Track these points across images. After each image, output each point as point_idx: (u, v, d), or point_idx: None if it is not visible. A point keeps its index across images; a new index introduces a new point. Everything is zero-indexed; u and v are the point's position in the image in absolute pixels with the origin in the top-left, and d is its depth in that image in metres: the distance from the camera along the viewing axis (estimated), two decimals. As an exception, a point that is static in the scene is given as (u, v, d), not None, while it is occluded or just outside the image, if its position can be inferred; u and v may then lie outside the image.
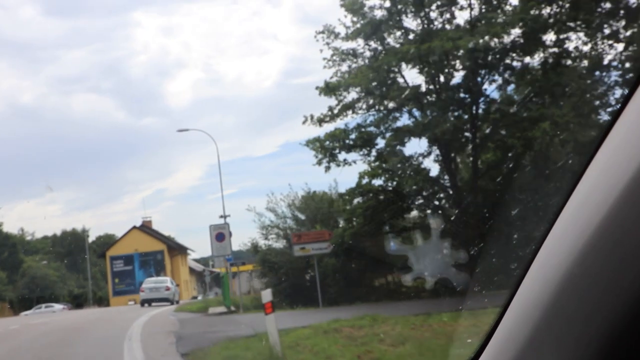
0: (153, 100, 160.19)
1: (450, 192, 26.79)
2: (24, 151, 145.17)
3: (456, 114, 25.46)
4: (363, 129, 26.74)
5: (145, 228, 73.74)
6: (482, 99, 25.63)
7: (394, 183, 27.28)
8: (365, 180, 27.34)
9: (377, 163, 27.22)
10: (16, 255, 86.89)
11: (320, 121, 26.97)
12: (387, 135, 26.50)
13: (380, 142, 26.83)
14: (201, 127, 59.85)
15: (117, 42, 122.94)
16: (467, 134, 25.81)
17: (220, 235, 29.83)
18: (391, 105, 26.37)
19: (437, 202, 27.95)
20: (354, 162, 27.05)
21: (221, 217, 36.41)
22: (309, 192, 37.78)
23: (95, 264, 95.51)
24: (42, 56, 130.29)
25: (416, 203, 27.88)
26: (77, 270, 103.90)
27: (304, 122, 27.24)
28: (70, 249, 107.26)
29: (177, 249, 73.52)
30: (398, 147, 25.97)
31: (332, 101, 26.71)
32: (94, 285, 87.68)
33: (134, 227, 72.42)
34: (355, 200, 28.31)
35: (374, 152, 27.05)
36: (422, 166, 26.24)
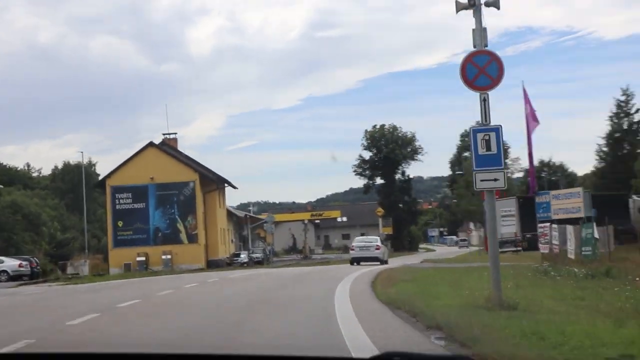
0: (174, 46, 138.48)
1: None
2: (41, 92, 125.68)
3: None
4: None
5: (168, 147, 48.89)
6: None
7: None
8: None
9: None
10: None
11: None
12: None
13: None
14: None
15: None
16: None
17: None
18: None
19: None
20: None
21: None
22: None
23: (104, 204, 74.20)
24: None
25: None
26: (80, 211, 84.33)
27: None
28: (73, 184, 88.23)
29: (214, 182, 48.63)
30: None
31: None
32: (98, 230, 66.36)
33: (151, 144, 47.36)
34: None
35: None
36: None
